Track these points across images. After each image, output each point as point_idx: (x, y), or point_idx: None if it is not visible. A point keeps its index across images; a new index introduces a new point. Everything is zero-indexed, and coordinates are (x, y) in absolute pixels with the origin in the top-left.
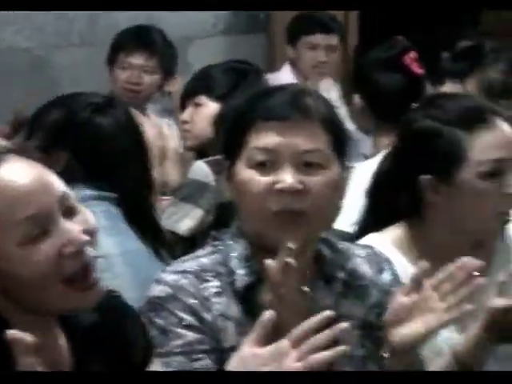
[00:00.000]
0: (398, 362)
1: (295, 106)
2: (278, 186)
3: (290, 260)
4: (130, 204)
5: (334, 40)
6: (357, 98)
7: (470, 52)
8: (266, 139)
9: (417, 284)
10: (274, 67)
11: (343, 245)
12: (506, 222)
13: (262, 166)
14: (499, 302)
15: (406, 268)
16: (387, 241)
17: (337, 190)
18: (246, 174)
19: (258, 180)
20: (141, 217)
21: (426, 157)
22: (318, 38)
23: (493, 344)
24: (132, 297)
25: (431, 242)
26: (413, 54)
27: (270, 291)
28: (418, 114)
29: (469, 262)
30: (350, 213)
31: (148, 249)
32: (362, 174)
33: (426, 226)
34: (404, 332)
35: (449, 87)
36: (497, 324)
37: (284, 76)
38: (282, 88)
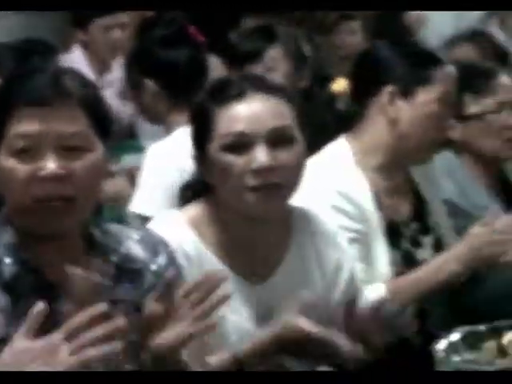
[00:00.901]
0: (159, 364)
1: (54, 89)
2: (40, 173)
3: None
4: None
5: (125, 18)
6: (148, 83)
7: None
8: (25, 125)
9: (169, 289)
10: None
11: (116, 228)
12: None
13: (23, 154)
14: (301, 322)
15: (198, 249)
16: (183, 219)
17: (101, 171)
18: (8, 162)
19: (18, 168)
20: None
21: (196, 134)
22: (110, 19)
23: (273, 356)
24: None
25: (222, 220)
26: (193, 28)
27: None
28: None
29: (214, 273)
30: (146, 192)
31: None
32: (157, 154)
33: (214, 204)
34: (157, 340)
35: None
36: (288, 341)
37: (75, 58)
38: (40, 69)
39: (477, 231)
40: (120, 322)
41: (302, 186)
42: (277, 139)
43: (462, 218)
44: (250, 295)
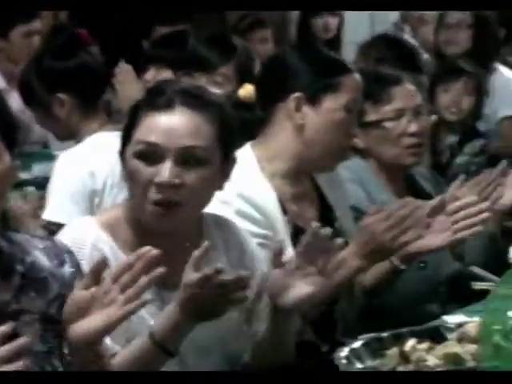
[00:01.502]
0: (82, 358)
1: None
2: None
3: None
4: None
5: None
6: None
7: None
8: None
9: (96, 275)
10: None
11: (22, 237)
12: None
13: None
14: (192, 275)
15: (113, 250)
16: (96, 223)
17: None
18: None
19: None
20: None
21: (122, 134)
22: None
23: (191, 323)
24: None
25: (136, 224)
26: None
27: None
28: None
29: (146, 251)
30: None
31: None
32: (67, 160)
33: (130, 207)
34: (82, 326)
35: (152, 73)
36: (193, 301)
37: None
38: None
39: (364, 224)
40: (22, 340)
41: None
42: (186, 158)
43: None
44: (166, 302)
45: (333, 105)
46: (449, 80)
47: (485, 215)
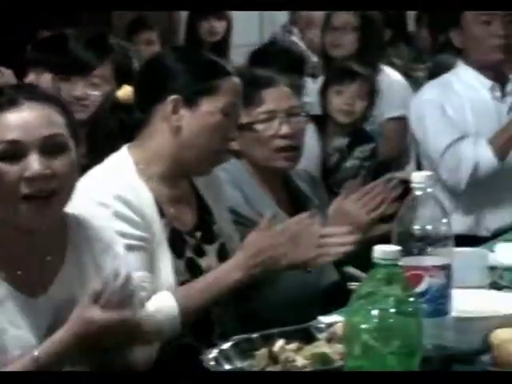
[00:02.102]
0: None
1: None
2: None
3: None
4: None
5: None
6: None
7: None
8: None
9: None
10: None
11: None
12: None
13: None
14: (95, 312)
15: None
16: None
17: None
18: None
19: None
20: None
21: None
22: None
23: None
24: None
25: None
26: None
27: None
28: None
29: None
30: None
31: None
32: None
33: None
34: None
35: (32, 77)
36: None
37: None
38: None
39: (253, 238)
40: None
41: (84, 194)
42: (50, 147)
43: (247, 226)
44: (30, 308)
45: (210, 108)
46: (342, 82)
47: (348, 248)
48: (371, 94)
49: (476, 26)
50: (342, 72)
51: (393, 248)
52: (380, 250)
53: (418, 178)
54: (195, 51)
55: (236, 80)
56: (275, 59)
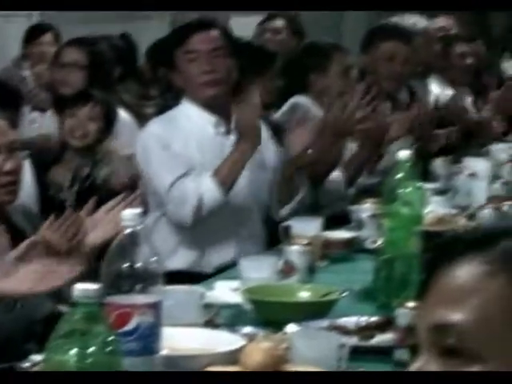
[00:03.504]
0: None
1: None
2: None
3: None
4: None
5: None
6: None
7: None
8: None
9: None
10: None
11: None
12: None
13: None
14: None
15: None
16: None
17: None
18: None
19: None
20: None
21: None
22: None
23: None
24: None
25: None
26: None
27: None
28: None
29: None
30: None
31: None
32: None
33: None
34: None
35: None
36: None
37: None
38: None
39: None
40: None
41: None
42: None
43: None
44: None
45: None
46: (75, 106)
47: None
48: (106, 116)
49: (185, 64)
50: (75, 96)
51: (93, 286)
52: (80, 289)
53: (127, 215)
54: None
55: None
56: None
